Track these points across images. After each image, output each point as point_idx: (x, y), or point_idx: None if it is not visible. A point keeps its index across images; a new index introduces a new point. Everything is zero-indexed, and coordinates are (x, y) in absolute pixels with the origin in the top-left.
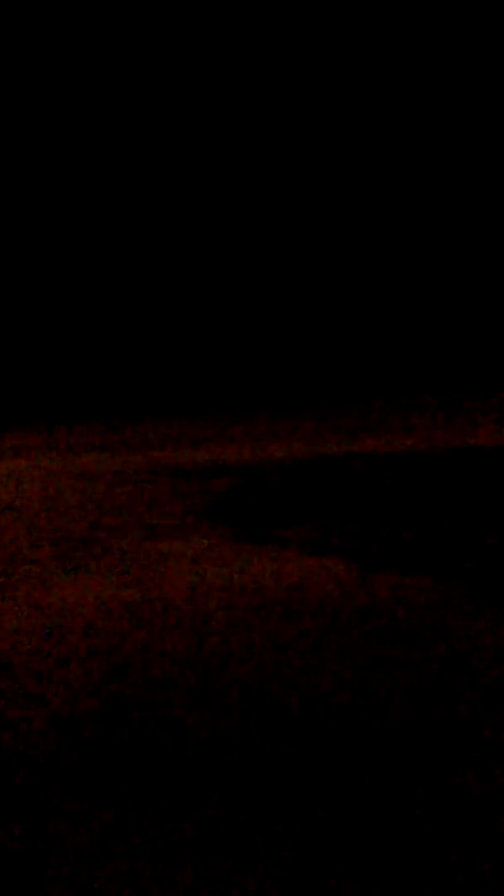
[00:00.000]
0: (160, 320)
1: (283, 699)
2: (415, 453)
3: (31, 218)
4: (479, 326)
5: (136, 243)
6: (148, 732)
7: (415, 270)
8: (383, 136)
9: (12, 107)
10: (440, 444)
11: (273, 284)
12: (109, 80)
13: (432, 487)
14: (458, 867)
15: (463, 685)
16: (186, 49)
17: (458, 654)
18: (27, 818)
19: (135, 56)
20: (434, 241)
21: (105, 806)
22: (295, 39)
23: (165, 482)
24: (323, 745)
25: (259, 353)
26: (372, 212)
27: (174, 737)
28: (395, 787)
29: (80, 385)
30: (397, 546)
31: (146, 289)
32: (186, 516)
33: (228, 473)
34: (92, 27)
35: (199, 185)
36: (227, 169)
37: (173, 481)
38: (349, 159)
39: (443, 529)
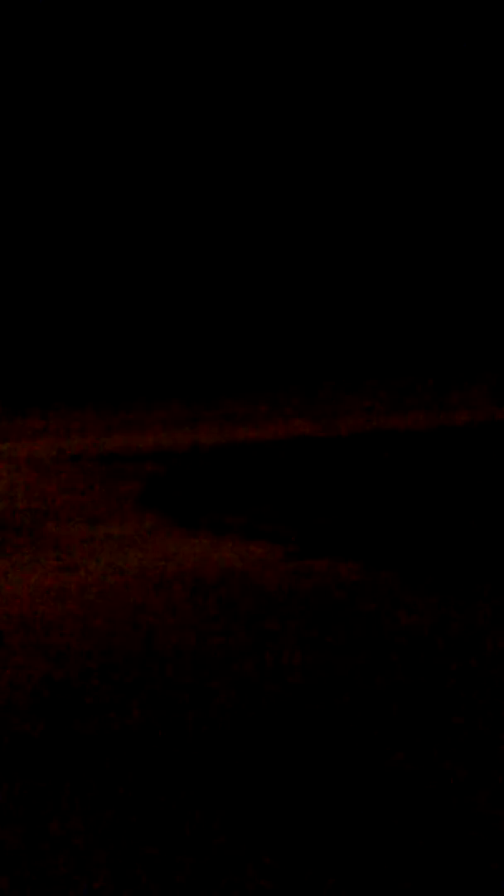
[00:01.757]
0: (103, 308)
1: (218, 684)
2: (350, 437)
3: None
4: (428, 313)
5: (100, 234)
6: (84, 720)
7: (370, 256)
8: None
9: (16, 83)
10: (367, 428)
11: (220, 273)
12: (107, 69)
13: (366, 472)
14: (396, 811)
15: (393, 668)
16: (182, 27)
17: (389, 638)
18: None
19: (132, 39)
20: (398, 229)
21: (40, 791)
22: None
23: (100, 468)
24: (258, 729)
25: (196, 338)
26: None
27: (111, 724)
28: (333, 760)
29: (19, 371)
30: (330, 532)
31: (90, 276)
32: (121, 502)
33: (163, 459)
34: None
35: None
36: (218, 158)
37: (108, 467)
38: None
39: (375, 515)
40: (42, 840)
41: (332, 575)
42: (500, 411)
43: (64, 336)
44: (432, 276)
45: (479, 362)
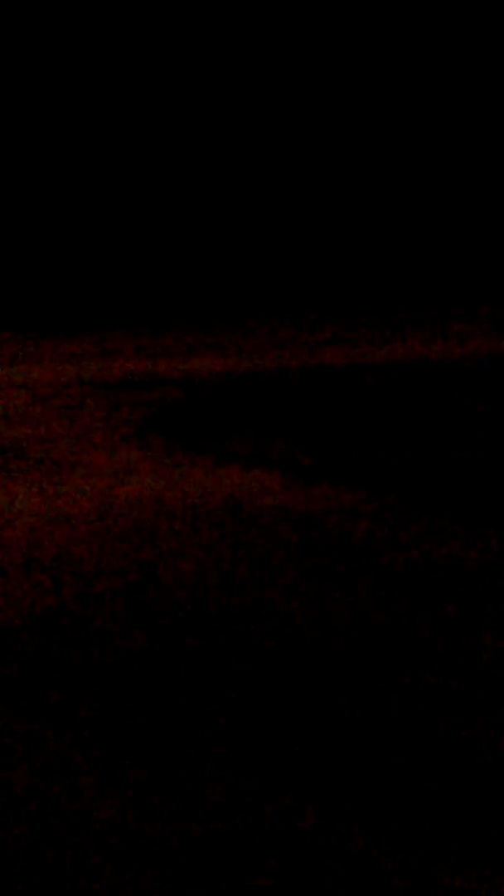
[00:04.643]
0: (103, 231)
1: (219, 610)
2: (349, 367)
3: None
4: (418, 242)
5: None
6: (81, 647)
7: (371, 191)
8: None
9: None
10: (373, 358)
11: (219, 199)
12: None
13: (365, 401)
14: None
15: (396, 593)
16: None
17: (391, 563)
18: None
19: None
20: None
21: (44, 716)
22: None
23: (102, 394)
24: (261, 654)
25: (197, 265)
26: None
27: (108, 651)
28: (333, 690)
29: (17, 294)
30: (332, 458)
31: (86, 195)
32: (125, 428)
33: (165, 385)
34: None
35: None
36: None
37: (110, 393)
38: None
39: (374, 442)
40: (44, 763)
41: (335, 502)
42: (499, 342)
43: (68, 261)
44: (430, 208)
45: (478, 293)
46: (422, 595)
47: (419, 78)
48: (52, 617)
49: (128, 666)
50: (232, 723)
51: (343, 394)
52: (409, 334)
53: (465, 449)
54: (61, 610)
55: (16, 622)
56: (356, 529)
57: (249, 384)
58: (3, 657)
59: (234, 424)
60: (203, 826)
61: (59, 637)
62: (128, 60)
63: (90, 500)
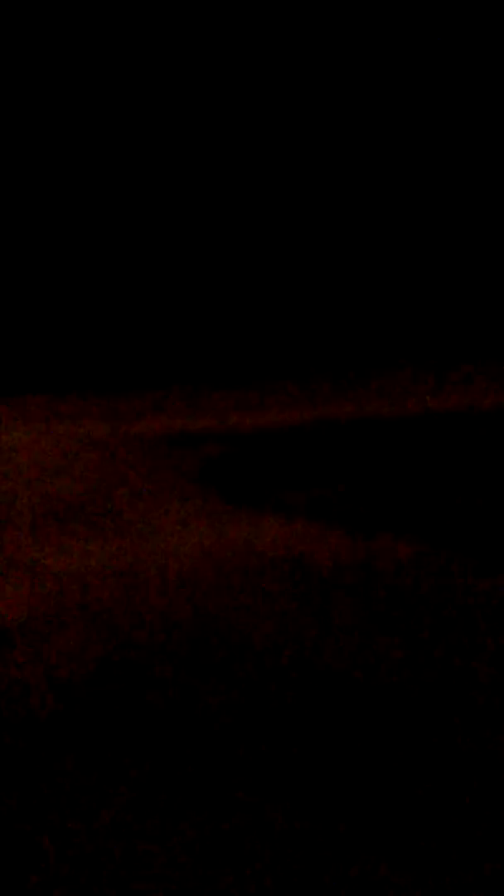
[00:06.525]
0: (149, 288)
1: (277, 665)
2: (407, 418)
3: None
4: (450, 294)
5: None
6: (141, 695)
7: (386, 241)
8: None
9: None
10: (414, 411)
11: (258, 253)
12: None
13: (425, 453)
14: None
15: (461, 653)
16: None
17: (456, 622)
18: (28, 777)
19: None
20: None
21: (101, 763)
22: None
23: (159, 449)
24: (320, 712)
25: (249, 322)
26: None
27: (166, 699)
28: (394, 757)
29: (75, 354)
30: (392, 511)
31: (130, 254)
32: (180, 482)
33: (221, 441)
34: None
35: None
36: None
37: (167, 449)
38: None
39: (437, 495)
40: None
41: (392, 555)
42: None
43: (104, 321)
44: (430, 265)
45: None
46: (490, 657)
47: (431, 112)
48: (112, 668)
49: (184, 718)
50: (291, 766)
51: (388, 446)
52: (440, 386)
53: None
54: (121, 662)
55: (78, 673)
56: (419, 586)
57: (293, 438)
58: (67, 707)
59: (283, 477)
60: (202, 830)
61: (118, 688)
62: (127, 84)
63: (149, 553)
